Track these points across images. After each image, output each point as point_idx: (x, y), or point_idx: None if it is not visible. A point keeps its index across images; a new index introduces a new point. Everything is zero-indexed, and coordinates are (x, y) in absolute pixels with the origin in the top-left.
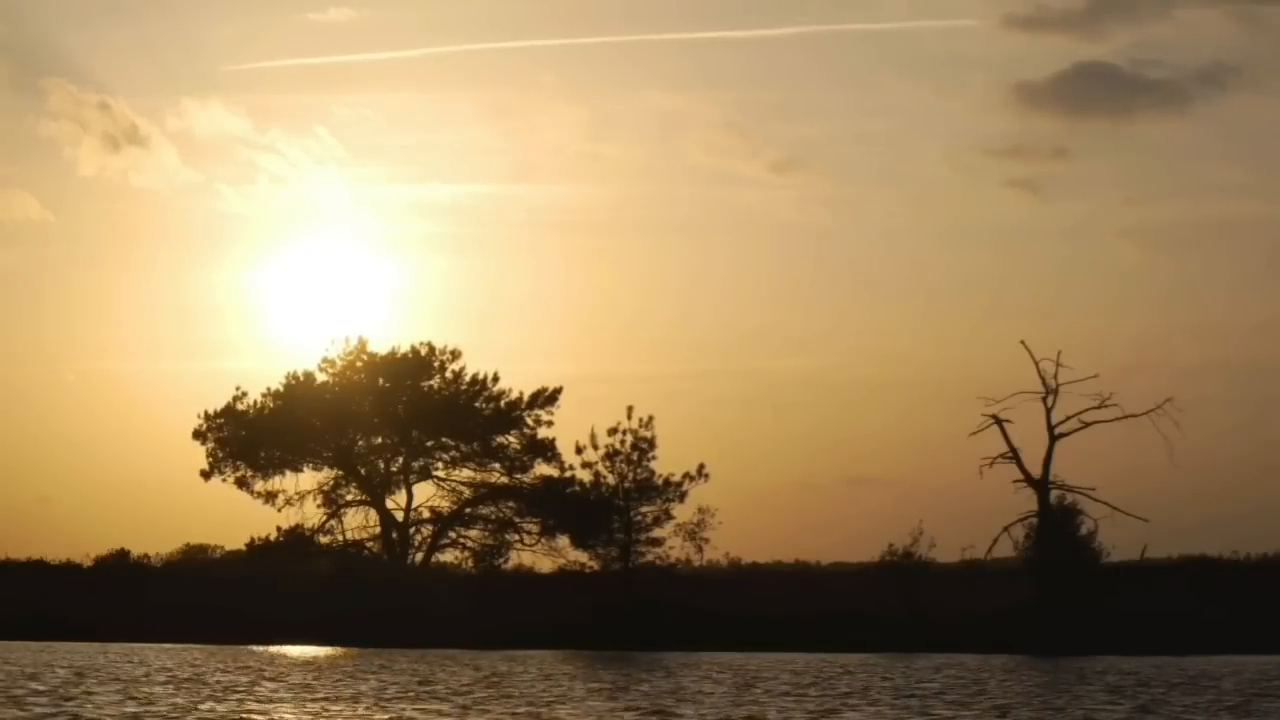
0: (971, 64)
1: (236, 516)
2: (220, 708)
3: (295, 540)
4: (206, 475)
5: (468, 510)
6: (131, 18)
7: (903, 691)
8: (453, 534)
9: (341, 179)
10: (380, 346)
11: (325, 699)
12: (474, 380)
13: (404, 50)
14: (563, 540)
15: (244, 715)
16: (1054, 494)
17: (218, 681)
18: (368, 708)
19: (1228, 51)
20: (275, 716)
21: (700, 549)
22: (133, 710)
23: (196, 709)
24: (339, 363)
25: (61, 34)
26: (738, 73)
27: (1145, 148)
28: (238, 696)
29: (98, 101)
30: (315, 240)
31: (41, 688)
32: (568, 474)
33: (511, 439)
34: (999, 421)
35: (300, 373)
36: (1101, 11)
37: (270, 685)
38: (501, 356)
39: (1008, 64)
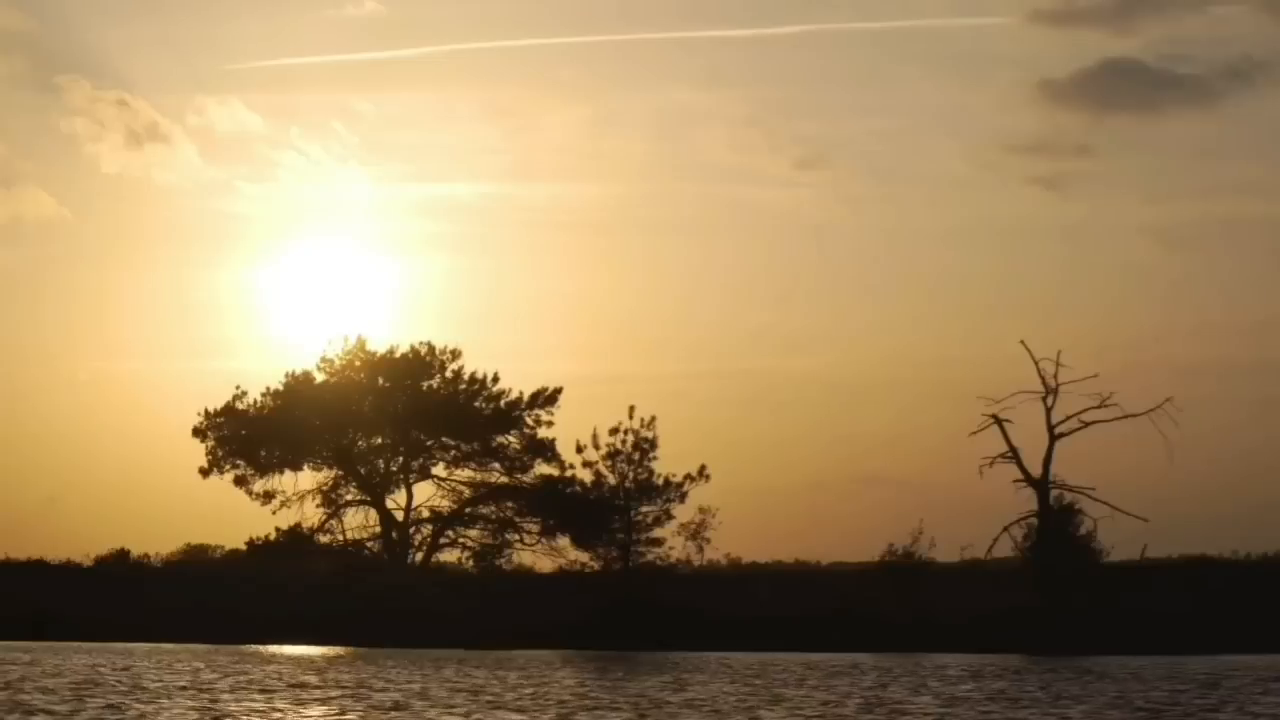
0: (999, 61)
1: (236, 516)
2: None
3: (295, 540)
4: (205, 473)
5: (468, 510)
6: (149, 15)
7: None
8: (453, 534)
9: (342, 179)
10: (380, 346)
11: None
12: (474, 380)
13: (410, 49)
14: (563, 540)
15: None
16: (1054, 494)
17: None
18: None
19: (1258, 46)
20: None
21: (701, 549)
22: None
23: None
24: (338, 362)
25: (81, 30)
26: (758, 70)
27: (1169, 145)
28: None
29: (116, 98)
30: (317, 239)
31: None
32: (568, 474)
33: (511, 439)
34: (999, 421)
35: (299, 372)
36: (1132, 6)
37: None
38: (501, 356)
39: (1034, 60)
